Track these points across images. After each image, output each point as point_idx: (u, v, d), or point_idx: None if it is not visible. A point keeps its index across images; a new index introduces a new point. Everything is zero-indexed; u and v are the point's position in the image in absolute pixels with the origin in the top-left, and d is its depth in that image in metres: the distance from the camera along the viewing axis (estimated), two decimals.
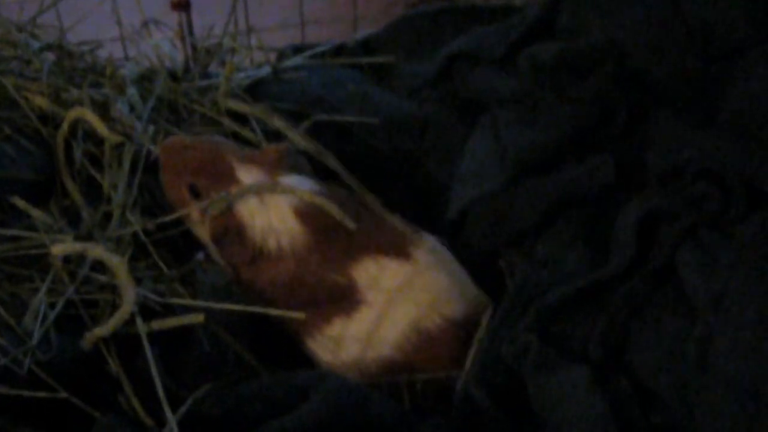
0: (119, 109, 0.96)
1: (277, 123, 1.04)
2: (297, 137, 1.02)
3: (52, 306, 0.84)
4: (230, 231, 0.94)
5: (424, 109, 1.18)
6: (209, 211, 0.92)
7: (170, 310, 0.89)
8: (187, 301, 0.87)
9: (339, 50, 1.26)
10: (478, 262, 1.04)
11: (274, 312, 0.88)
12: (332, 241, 0.93)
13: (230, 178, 0.94)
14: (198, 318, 0.81)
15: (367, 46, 1.28)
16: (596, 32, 1.15)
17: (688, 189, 0.99)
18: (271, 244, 0.93)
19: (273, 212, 0.93)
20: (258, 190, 0.91)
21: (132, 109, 1.00)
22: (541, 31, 1.21)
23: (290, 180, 0.95)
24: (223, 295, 0.97)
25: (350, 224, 0.92)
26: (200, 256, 1.03)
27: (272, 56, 1.22)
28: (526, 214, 1.03)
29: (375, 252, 0.94)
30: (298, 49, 1.23)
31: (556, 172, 1.04)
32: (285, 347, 1.01)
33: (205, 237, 0.97)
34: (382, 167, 1.13)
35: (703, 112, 1.08)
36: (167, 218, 0.93)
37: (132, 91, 1.01)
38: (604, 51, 1.11)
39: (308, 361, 0.99)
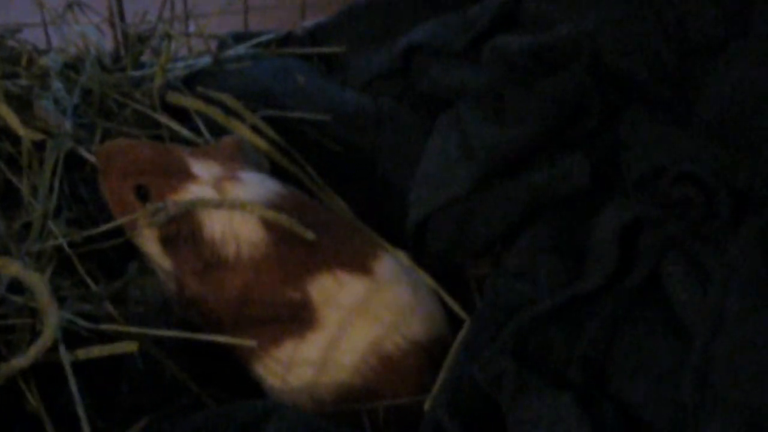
0: (43, 105, 0.83)
1: (222, 118, 0.93)
2: (252, 134, 0.91)
3: None
4: (184, 233, 0.83)
5: (378, 104, 1.09)
6: (162, 215, 0.81)
7: (99, 335, 0.78)
8: (119, 327, 0.75)
9: (285, 39, 1.15)
10: (441, 274, 0.95)
11: (221, 339, 0.77)
12: (292, 252, 0.83)
13: (184, 173, 0.84)
14: (131, 346, 0.70)
15: (315, 35, 1.17)
16: (565, 24, 1.07)
17: (669, 194, 0.92)
18: (229, 250, 0.83)
19: (235, 215, 0.82)
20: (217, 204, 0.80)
21: (57, 103, 0.88)
22: (505, 21, 1.13)
23: (250, 177, 0.85)
24: (159, 314, 0.87)
25: (309, 235, 0.82)
26: (132, 268, 0.92)
27: (212, 45, 1.11)
28: (495, 221, 0.95)
29: (333, 266, 0.85)
30: (240, 37, 1.12)
31: (527, 174, 0.97)
32: (228, 368, 0.91)
33: (147, 245, 0.85)
34: (333, 167, 1.03)
35: (678, 111, 1.03)
36: (102, 228, 0.81)
37: (57, 84, 0.88)
38: (577, 44, 1.03)
39: (255, 383, 0.89)
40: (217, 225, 0.83)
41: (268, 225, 0.83)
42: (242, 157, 0.87)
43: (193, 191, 0.83)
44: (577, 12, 1.07)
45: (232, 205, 0.80)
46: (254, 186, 0.85)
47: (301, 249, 0.84)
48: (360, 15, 1.17)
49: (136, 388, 0.85)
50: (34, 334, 0.76)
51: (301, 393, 0.85)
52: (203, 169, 0.84)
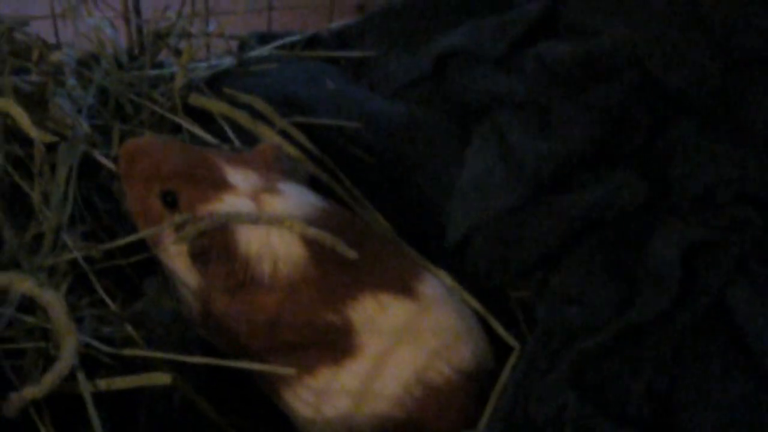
0: (59, 104, 0.76)
1: (249, 123, 0.86)
2: (289, 143, 0.84)
3: None
4: (216, 248, 0.75)
5: (412, 112, 1.01)
6: (193, 227, 0.73)
7: (119, 360, 0.70)
8: (144, 352, 0.67)
9: (311, 41, 1.08)
10: (481, 295, 0.88)
11: (256, 367, 0.70)
12: (333, 272, 0.76)
13: (219, 181, 0.76)
14: (164, 378, 0.62)
15: (342, 37, 1.10)
16: (609, 33, 1.00)
17: (729, 214, 0.86)
18: (265, 268, 0.75)
19: (273, 230, 0.75)
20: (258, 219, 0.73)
21: (72, 103, 0.80)
22: (544, 27, 1.06)
23: (289, 189, 0.78)
24: (181, 336, 0.79)
25: (352, 254, 0.74)
26: (151, 284, 0.84)
27: (233, 45, 1.03)
28: (542, 240, 0.89)
29: (376, 287, 0.77)
30: (263, 38, 1.04)
31: (576, 191, 0.90)
32: (253, 396, 0.83)
33: (173, 259, 0.78)
34: (362, 177, 0.95)
35: (726, 125, 0.97)
36: (123, 240, 0.73)
37: (72, 81, 0.80)
38: (622, 55, 0.97)
39: (283, 413, 0.82)
40: (253, 241, 0.75)
41: (308, 242, 0.75)
42: (280, 166, 0.80)
43: (229, 202, 0.75)
44: (621, 21, 1.01)
45: (272, 221, 0.72)
46: (294, 199, 0.78)
47: (343, 269, 0.77)
48: (389, 18, 1.10)
49: (155, 418, 0.77)
50: (47, 359, 0.68)
51: (336, 425, 0.79)
52: (240, 177, 0.76)
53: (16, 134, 0.82)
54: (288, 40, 1.05)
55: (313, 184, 0.86)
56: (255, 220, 0.73)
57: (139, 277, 0.83)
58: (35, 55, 0.85)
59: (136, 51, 1.00)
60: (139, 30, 0.99)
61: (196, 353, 0.79)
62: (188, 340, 0.82)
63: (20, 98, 0.81)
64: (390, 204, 0.96)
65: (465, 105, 1.03)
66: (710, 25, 0.99)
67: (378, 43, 1.09)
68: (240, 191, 0.76)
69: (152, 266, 0.84)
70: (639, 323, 0.79)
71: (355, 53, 1.07)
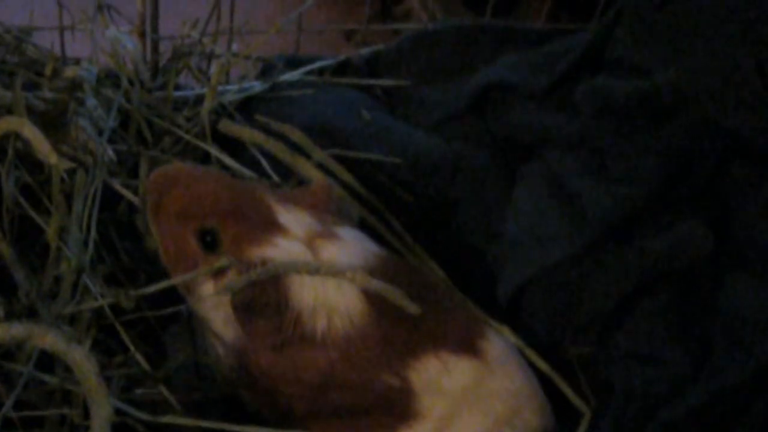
0: (81, 126, 0.65)
1: (286, 155, 0.77)
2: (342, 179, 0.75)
3: None
4: (265, 300, 0.65)
5: (454, 148, 0.93)
6: (245, 277, 0.63)
7: (153, 429, 0.60)
8: (189, 420, 0.57)
9: (342, 67, 0.99)
10: (539, 352, 0.79)
11: None
12: (393, 329, 0.67)
13: (269, 222, 0.66)
14: None
15: (373, 64, 1.01)
16: (662, 71, 0.94)
17: None
18: (318, 324, 0.66)
19: (329, 281, 0.65)
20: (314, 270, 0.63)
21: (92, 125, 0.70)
22: (588, 63, 1.00)
23: (347, 235, 0.68)
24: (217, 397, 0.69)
25: (414, 309, 0.65)
26: (173, 334, 0.74)
27: (259, 67, 0.94)
28: (605, 292, 0.81)
29: (438, 346, 0.68)
30: (291, 61, 0.95)
31: (640, 240, 0.82)
32: None
33: (209, 308, 0.67)
34: (402, 216, 0.86)
35: None
36: (156, 286, 0.63)
37: (92, 101, 0.70)
38: (682, 94, 0.90)
39: None
40: (307, 292, 0.65)
41: (367, 295, 0.66)
42: (335, 207, 0.70)
43: (282, 247, 0.65)
44: (674, 60, 0.95)
45: (333, 271, 0.63)
46: (353, 246, 0.69)
47: (403, 325, 0.68)
48: (425, 46, 1.02)
49: None
50: (73, 427, 0.57)
51: None
52: (292, 219, 0.67)
53: (24, 158, 0.72)
54: (318, 64, 0.96)
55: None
56: (315, 270, 0.63)
57: (161, 326, 0.73)
58: (49, 69, 0.75)
59: (150, 70, 0.89)
60: (155, 47, 0.89)
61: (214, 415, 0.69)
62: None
63: (33, 118, 0.70)
64: (430, 248, 0.87)
65: (508, 141, 0.95)
66: (761, 62, 0.93)
67: (411, 72, 1.01)
68: (293, 235, 0.67)
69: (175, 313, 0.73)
70: (724, 388, 0.72)
71: (389, 82, 0.98)
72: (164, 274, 0.69)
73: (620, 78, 0.95)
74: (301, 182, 0.79)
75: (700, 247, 0.82)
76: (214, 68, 0.90)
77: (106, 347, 0.67)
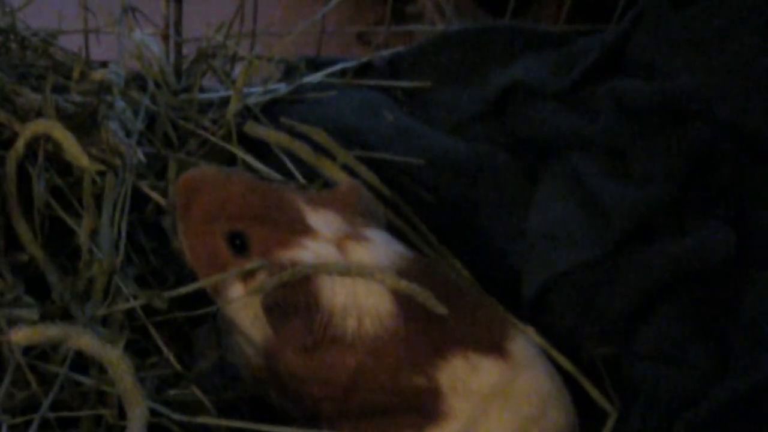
0: (112, 129, 0.66)
1: (311, 157, 0.77)
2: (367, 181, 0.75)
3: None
4: (295, 302, 0.65)
5: (476, 149, 0.94)
6: (275, 278, 0.63)
7: (186, 429, 0.60)
8: (222, 421, 0.58)
9: (364, 69, 0.99)
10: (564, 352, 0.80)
11: None
12: (422, 330, 0.67)
13: (299, 225, 0.67)
14: None
15: (394, 66, 1.02)
16: (680, 72, 0.94)
17: None
18: (349, 325, 0.66)
19: (359, 283, 0.66)
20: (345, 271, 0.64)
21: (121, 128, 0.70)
22: (609, 64, 1.00)
23: (376, 237, 0.69)
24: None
25: (441, 310, 0.65)
26: (202, 332, 0.75)
27: (281, 70, 0.94)
28: (629, 293, 0.81)
29: (466, 346, 0.69)
30: (312, 63, 0.96)
31: (663, 240, 0.83)
32: None
33: (239, 311, 0.68)
34: (424, 217, 0.87)
35: None
36: (190, 287, 0.63)
37: (120, 103, 0.71)
38: (703, 96, 0.91)
39: None
40: (338, 294, 0.66)
41: (397, 296, 0.67)
42: (363, 209, 0.71)
43: (311, 249, 0.66)
44: (695, 62, 0.95)
45: (363, 272, 0.63)
46: (382, 248, 0.69)
47: (431, 326, 0.68)
48: (445, 47, 1.02)
49: None
50: (108, 428, 0.58)
51: None
52: (321, 221, 0.67)
53: (52, 161, 0.73)
54: (340, 66, 0.97)
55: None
56: (346, 271, 0.64)
57: (190, 327, 0.74)
58: (76, 72, 0.75)
59: (174, 72, 0.90)
60: (179, 49, 0.89)
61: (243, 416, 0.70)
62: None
63: (62, 121, 0.71)
64: (453, 248, 0.88)
65: (529, 142, 0.95)
66: None
67: (432, 74, 1.01)
68: (322, 237, 0.67)
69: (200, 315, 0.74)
70: (748, 388, 0.72)
71: (411, 84, 0.99)
72: (192, 276, 0.70)
73: (640, 79, 0.95)
74: (327, 184, 0.80)
75: (723, 248, 0.82)
76: (237, 70, 0.91)
77: (137, 348, 0.68)
